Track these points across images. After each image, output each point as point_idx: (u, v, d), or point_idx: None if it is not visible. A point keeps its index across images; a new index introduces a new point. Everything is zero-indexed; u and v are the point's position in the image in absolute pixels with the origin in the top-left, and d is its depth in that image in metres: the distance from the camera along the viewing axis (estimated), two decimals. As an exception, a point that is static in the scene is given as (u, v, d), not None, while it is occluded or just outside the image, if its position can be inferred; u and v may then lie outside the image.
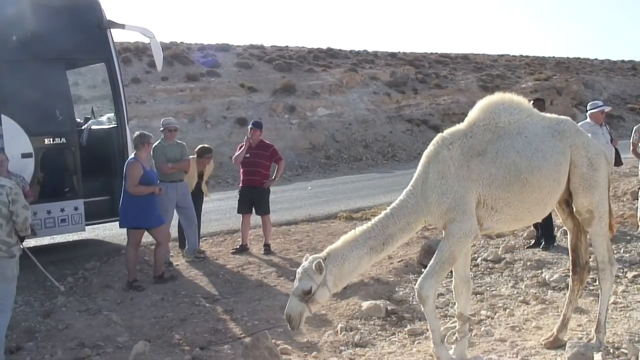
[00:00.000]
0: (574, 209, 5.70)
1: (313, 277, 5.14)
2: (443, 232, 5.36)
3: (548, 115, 5.83)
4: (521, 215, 5.48)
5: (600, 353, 5.33)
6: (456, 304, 5.74)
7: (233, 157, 11.05)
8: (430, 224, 5.41)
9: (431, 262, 5.29)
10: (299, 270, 5.25)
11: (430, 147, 5.44)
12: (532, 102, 10.37)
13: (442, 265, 5.23)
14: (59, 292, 8.15)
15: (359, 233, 5.30)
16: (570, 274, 6.03)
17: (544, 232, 9.61)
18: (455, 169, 5.25)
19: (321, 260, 5.15)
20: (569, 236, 6.09)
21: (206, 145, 10.99)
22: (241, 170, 10.70)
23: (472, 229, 5.23)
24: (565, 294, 6.45)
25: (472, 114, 5.55)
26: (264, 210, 10.64)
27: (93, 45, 10.51)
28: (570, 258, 6.00)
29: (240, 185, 10.77)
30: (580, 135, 5.64)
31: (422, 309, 5.34)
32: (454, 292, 5.76)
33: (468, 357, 5.63)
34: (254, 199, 10.60)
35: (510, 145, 5.33)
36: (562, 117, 5.85)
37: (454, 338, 5.70)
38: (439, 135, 5.49)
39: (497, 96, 5.64)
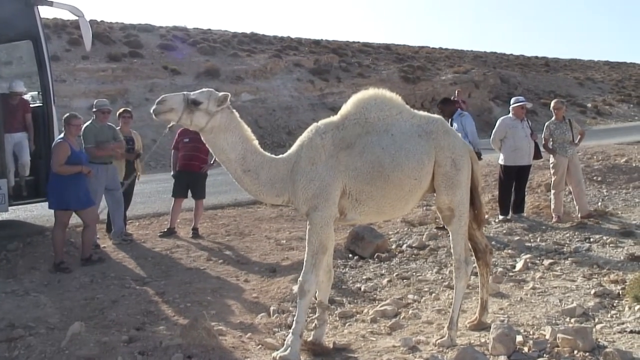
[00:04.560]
0: (436, 206, 5.95)
1: (210, 100, 5.28)
2: (306, 218, 5.52)
3: (421, 113, 5.92)
4: (383, 209, 5.67)
5: (521, 335, 5.66)
6: (317, 292, 5.82)
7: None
8: (293, 206, 5.52)
9: (305, 256, 5.48)
10: (211, 89, 5.43)
11: (305, 134, 5.63)
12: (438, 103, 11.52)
13: (316, 257, 5.43)
14: None
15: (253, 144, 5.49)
16: (475, 259, 6.26)
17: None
18: (325, 158, 5.44)
19: (228, 96, 5.33)
20: None
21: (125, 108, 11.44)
22: (180, 154, 10.66)
23: (332, 215, 5.43)
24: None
25: (346, 108, 5.70)
26: (200, 195, 10.72)
27: (20, 22, 10.15)
28: (471, 246, 6.19)
29: (178, 169, 10.72)
30: (447, 136, 5.76)
31: (299, 300, 5.47)
32: None
33: (399, 339, 5.89)
34: (190, 183, 10.63)
35: (377, 142, 5.50)
36: (434, 116, 5.97)
37: (314, 325, 5.92)
38: (314, 124, 5.66)
39: (371, 91, 5.77)
